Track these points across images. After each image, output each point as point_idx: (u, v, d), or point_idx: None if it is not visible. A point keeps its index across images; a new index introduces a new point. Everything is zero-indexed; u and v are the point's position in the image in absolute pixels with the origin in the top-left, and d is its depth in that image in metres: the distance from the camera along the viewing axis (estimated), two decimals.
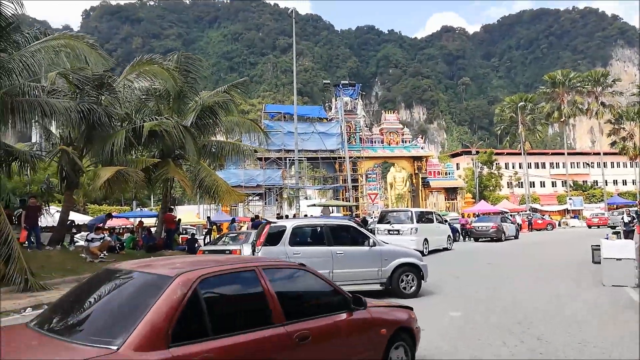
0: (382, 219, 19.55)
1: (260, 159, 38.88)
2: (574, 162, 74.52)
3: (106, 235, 15.62)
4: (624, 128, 49.09)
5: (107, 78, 14.52)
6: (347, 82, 30.63)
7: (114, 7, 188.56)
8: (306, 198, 59.99)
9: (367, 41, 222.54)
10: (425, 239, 18.63)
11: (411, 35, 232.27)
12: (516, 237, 27.26)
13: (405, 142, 44.18)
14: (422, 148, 45.24)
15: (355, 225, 9.82)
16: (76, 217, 23.02)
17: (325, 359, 3.79)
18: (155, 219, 22.38)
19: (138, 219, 24.65)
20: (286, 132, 37.78)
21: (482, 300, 9.18)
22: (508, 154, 66.79)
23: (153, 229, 20.04)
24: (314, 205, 34.35)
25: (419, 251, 18.23)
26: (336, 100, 42.50)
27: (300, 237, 9.15)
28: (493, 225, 25.43)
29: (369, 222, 24.69)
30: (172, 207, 19.23)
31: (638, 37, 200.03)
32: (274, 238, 8.86)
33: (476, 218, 30.19)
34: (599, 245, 14.68)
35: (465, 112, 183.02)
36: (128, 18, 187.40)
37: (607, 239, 10.98)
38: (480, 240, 26.27)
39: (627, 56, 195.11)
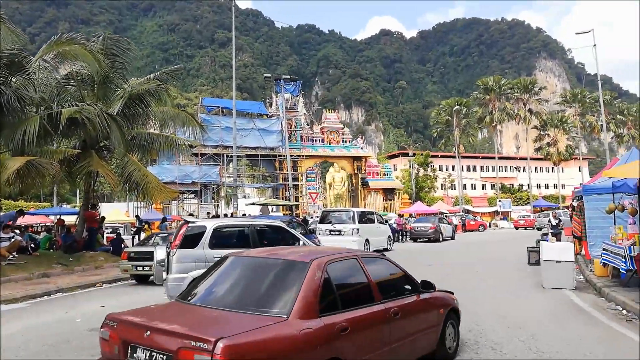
0: (324, 219, 19.04)
1: (196, 154, 37.12)
2: (502, 166, 78.40)
3: (16, 234, 13.84)
4: (548, 134, 52.10)
5: (19, 57, 12.80)
6: (288, 76, 29.57)
7: None
8: (245, 197, 58.50)
9: (307, 40, 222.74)
10: (367, 240, 18.34)
11: (351, 37, 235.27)
12: (452, 237, 27.84)
13: (346, 141, 44.08)
14: (361, 148, 45.37)
15: (284, 225, 9.07)
16: None
17: (409, 331, 4.70)
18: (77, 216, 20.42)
19: (57, 217, 22.40)
20: (224, 127, 36.26)
21: None
22: (442, 156, 69.00)
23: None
24: (253, 204, 33.13)
25: None
26: (277, 97, 41.48)
27: (223, 238, 8.29)
28: (431, 226, 25.72)
29: (309, 222, 24.11)
30: (96, 203, 17.54)
31: (559, 51, 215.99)
32: (192, 240, 7.98)
33: (414, 219, 30.53)
34: (535, 247, 15.02)
35: (401, 115, 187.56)
36: (54, 0, 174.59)
37: (546, 240, 11.04)
38: (418, 240, 26.51)
39: (549, 67, 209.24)
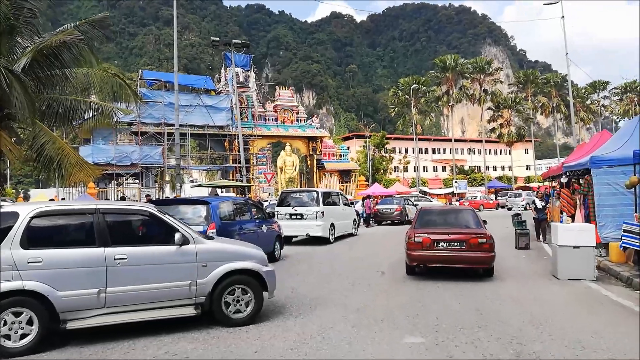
0: (282, 201, 16.55)
1: (135, 133, 33.45)
2: (452, 148, 78.96)
3: None
4: (501, 115, 51.87)
5: None
6: (239, 41, 26.09)
7: None
8: (192, 181, 54.82)
9: (257, 20, 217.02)
10: (332, 224, 16.13)
11: (301, 19, 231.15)
12: None
13: (300, 121, 41.54)
14: (317, 128, 43.03)
15: (154, 210, 5.97)
16: None
17: None
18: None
19: None
20: (167, 102, 32.55)
21: (415, 317, 6.66)
22: (395, 138, 68.00)
23: None
24: (200, 185, 29.90)
25: (325, 238, 15.80)
26: (226, 72, 38.16)
27: (47, 232, 5.44)
28: (397, 207, 23.87)
29: (264, 206, 21.63)
30: None
31: (503, 37, 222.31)
32: None
33: (379, 200, 28.60)
34: (523, 229, 13.37)
35: (352, 99, 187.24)
36: None
37: (561, 221, 9.23)
38: (383, 223, 24.62)
39: (493, 54, 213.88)
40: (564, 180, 13.79)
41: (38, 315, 5.02)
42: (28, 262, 5.05)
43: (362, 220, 23.54)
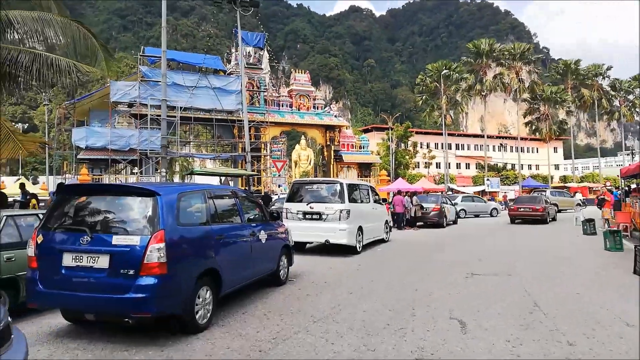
0: (294, 195, 12.37)
1: (135, 116, 29.94)
2: (477, 145, 74.19)
3: None
4: (539, 109, 47.13)
5: None
6: (247, 0, 21.80)
7: None
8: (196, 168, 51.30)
9: (275, 13, 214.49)
10: (360, 228, 12.07)
11: (320, 12, 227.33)
12: (455, 222, 21.94)
13: (317, 108, 37.59)
14: (335, 116, 39.00)
15: None
16: None
17: None
18: None
19: None
20: (171, 83, 28.83)
21: None
22: (418, 132, 63.58)
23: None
24: (192, 173, 25.91)
25: (351, 247, 11.81)
26: (236, 50, 34.30)
27: None
28: (435, 207, 19.61)
29: (272, 200, 17.72)
30: None
31: (526, 34, 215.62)
32: None
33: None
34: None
35: (369, 94, 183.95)
36: None
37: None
38: (416, 224, 20.38)
39: None
40: None
41: None
42: None
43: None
